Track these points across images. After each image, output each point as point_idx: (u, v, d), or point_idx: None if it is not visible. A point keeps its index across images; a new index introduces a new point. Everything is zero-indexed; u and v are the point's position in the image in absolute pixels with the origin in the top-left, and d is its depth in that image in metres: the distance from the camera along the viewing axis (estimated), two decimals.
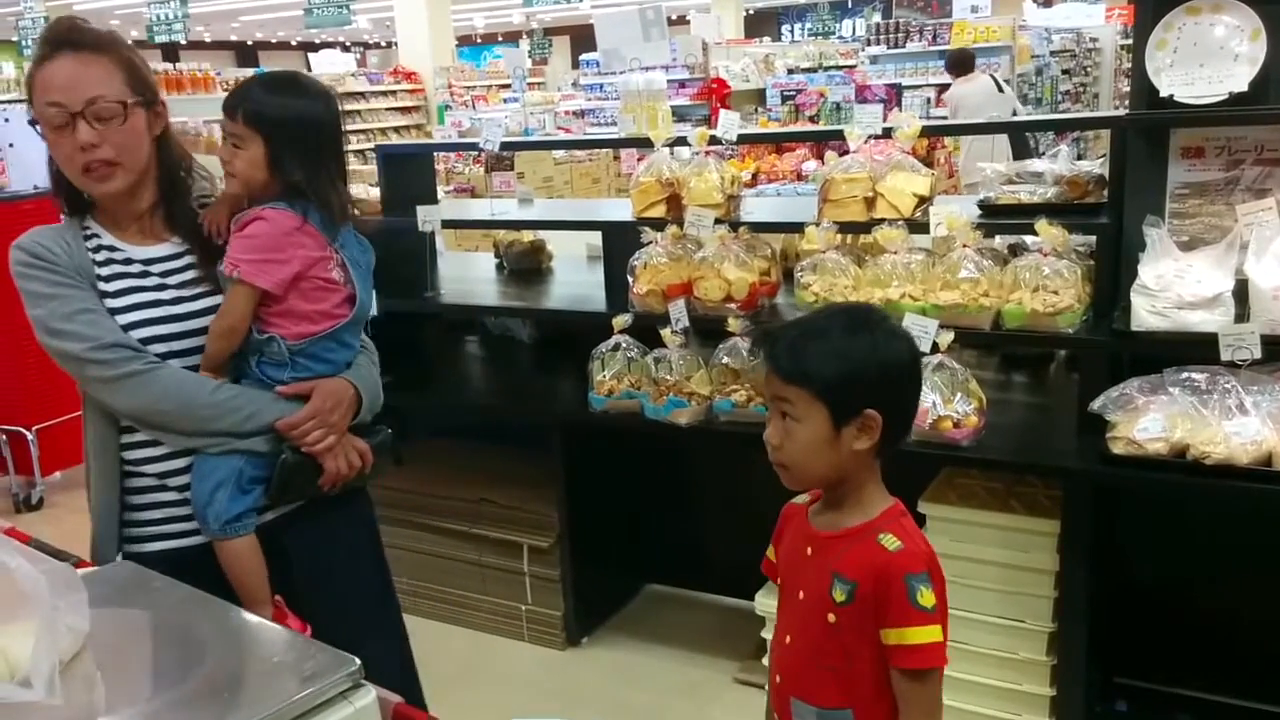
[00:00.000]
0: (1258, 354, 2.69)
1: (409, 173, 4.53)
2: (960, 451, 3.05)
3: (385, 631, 2.49)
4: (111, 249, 2.16)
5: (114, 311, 2.11)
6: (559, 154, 9.73)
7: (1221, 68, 2.88)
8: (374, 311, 2.39)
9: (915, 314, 3.04)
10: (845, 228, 3.39)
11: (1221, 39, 2.89)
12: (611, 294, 3.86)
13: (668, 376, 3.51)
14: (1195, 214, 3.08)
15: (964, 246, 3.11)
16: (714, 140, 3.58)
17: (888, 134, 3.36)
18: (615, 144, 7.93)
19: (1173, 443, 2.73)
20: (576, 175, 9.99)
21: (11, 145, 5.71)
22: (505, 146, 4.77)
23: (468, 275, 4.83)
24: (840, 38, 19.27)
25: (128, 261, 2.16)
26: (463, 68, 19.52)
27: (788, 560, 1.98)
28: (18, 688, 1.33)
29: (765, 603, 3.44)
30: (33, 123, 2.09)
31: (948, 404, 3.02)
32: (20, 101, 2.40)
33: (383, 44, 33.87)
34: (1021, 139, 9.30)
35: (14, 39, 14.80)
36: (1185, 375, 2.82)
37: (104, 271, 2.13)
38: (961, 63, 10.37)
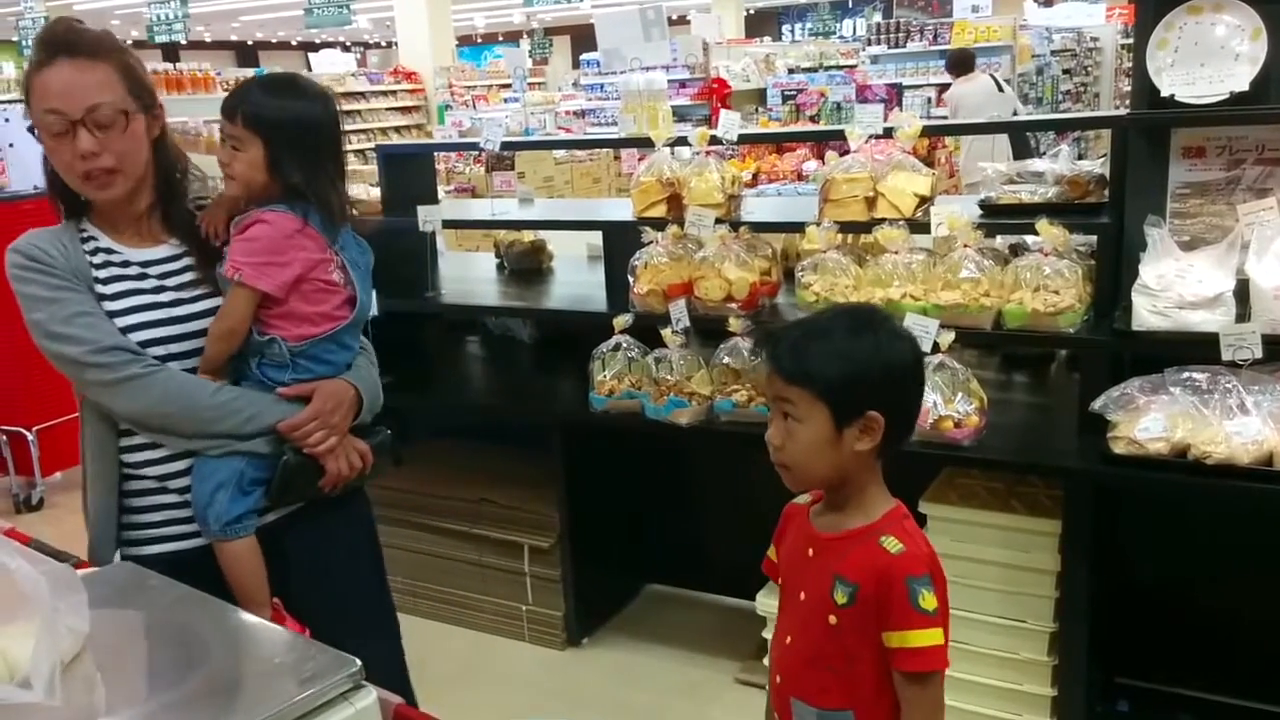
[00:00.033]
0: (1259, 354, 2.69)
1: (409, 173, 4.53)
2: (961, 451, 3.04)
3: (383, 632, 2.49)
4: (109, 251, 2.15)
5: (112, 314, 2.10)
6: (559, 154, 9.73)
7: (1222, 67, 2.87)
8: (374, 311, 2.39)
9: (916, 314, 3.04)
10: (846, 227, 3.39)
11: (1222, 38, 2.89)
12: (612, 294, 3.86)
13: (668, 376, 3.51)
14: (1196, 214, 3.08)
15: (965, 246, 3.11)
16: (714, 140, 3.58)
17: (888, 134, 3.36)
18: (616, 144, 7.92)
19: (1174, 442, 2.73)
20: (577, 175, 9.99)
21: (12, 145, 5.72)
22: (506, 146, 4.77)
23: (468, 275, 4.83)
24: (841, 37, 19.27)
25: (125, 264, 2.15)
26: (463, 67, 19.52)
27: (789, 561, 1.98)
28: (18, 689, 1.32)
29: (766, 603, 3.44)
30: (31, 129, 2.08)
31: (949, 404, 3.02)
32: (20, 102, 2.37)
33: (383, 44, 33.87)
34: (1022, 139, 9.30)
35: (14, 39, 14.81)
36: (1186, 375, 2.82)
37: (102, 274, 2.12)
38: (961, 62, 10.37)
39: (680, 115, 10.54)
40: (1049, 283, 2.99)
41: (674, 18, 17.42)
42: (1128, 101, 3.31)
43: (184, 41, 15.00)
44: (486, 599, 4.17)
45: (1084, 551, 2.98)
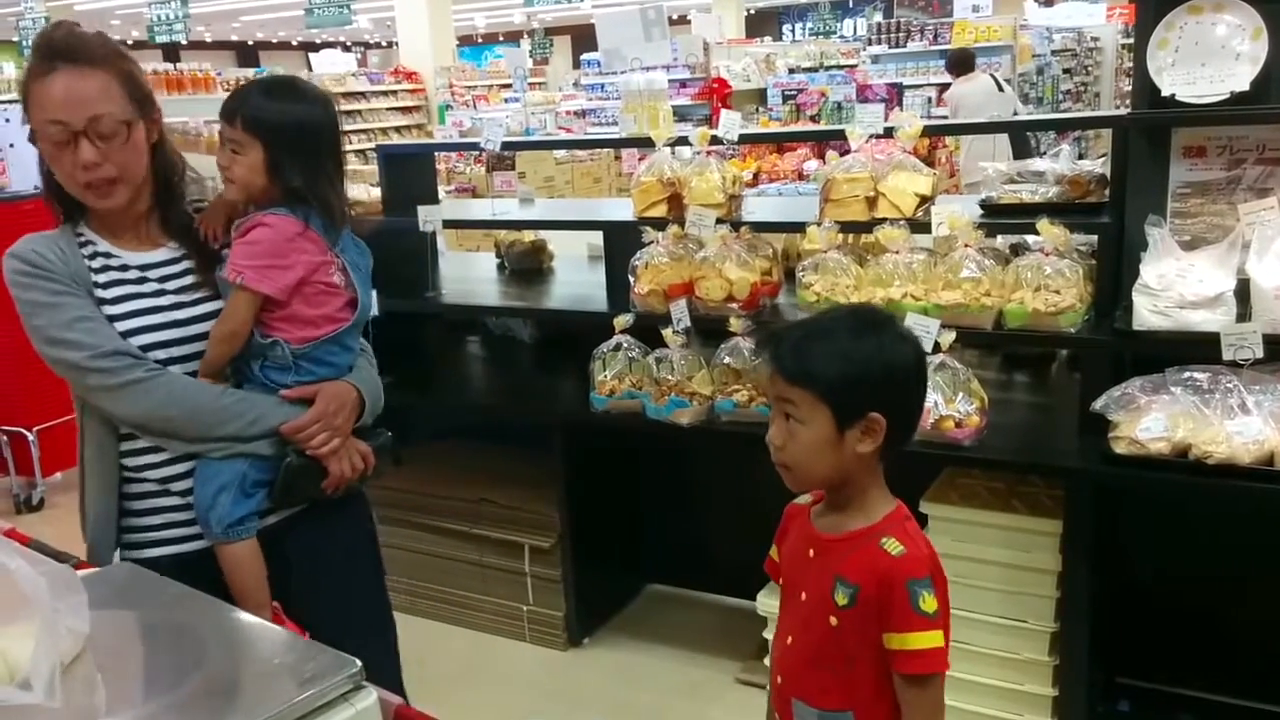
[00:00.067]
0: (1260, 353, 2.68)
1: (410, 173, 4.53)
2: (962, 451, 3.04)
3: (381, 633, 2.48)
4: (108, 255, 2.15)
5: (113, 319, 2.10)
6: (560, 154, 9.73)
7: (1223, 67, 2.87)
8: (374, 311, 2.39)
9: (917, 314, 3.04)
10: (847, 227, 3.39)
11: (1223, 38, 2.88)
12: (613, 294, 3.85)
13: (669, 376, 3.51)
14: (1197, 213, 3.08)
15: (965, 246, 3.10)
16: (715, 140, 3.58)
17: (889, 133, 3.36)
18: (616, 144, 7.92)
19: (1175, 442, 2.73)
20: (578, 175, 9.99)
21: (12, 145, 5.72)
22: (506, 146, 4.77)
23: (469, 275, 4.83)
24: (841, 37, 19.25)
25: (124, 268, 2.15)
26: (464, 67, 19.52)
27: (790, 561, 1.98)
28: (18, 690, 1.32)
29: (767, 603, 3.44)
30: (31, 138, 2.07)
31: (950, 404, 3.02)
32: (17, 102, 2.35)
33: (383, 44, 33.88)
34: (1023, 138, 9.30)
35: (14, 39, 14.80)
36: (1187, 375, 2.82)
37: (101, 279, 2.12)
38: (962, 62, 10.37)
39: (681, 115, 10.55)
40: (1050, 282, 2.99)
41: (674, 18, 17.41)
42: (1128, 101, 3.31)
43: (184, 42, 14.99)
44: (487, 599, 4.17)
45: (1085, 551, 2.98)
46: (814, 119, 11.11)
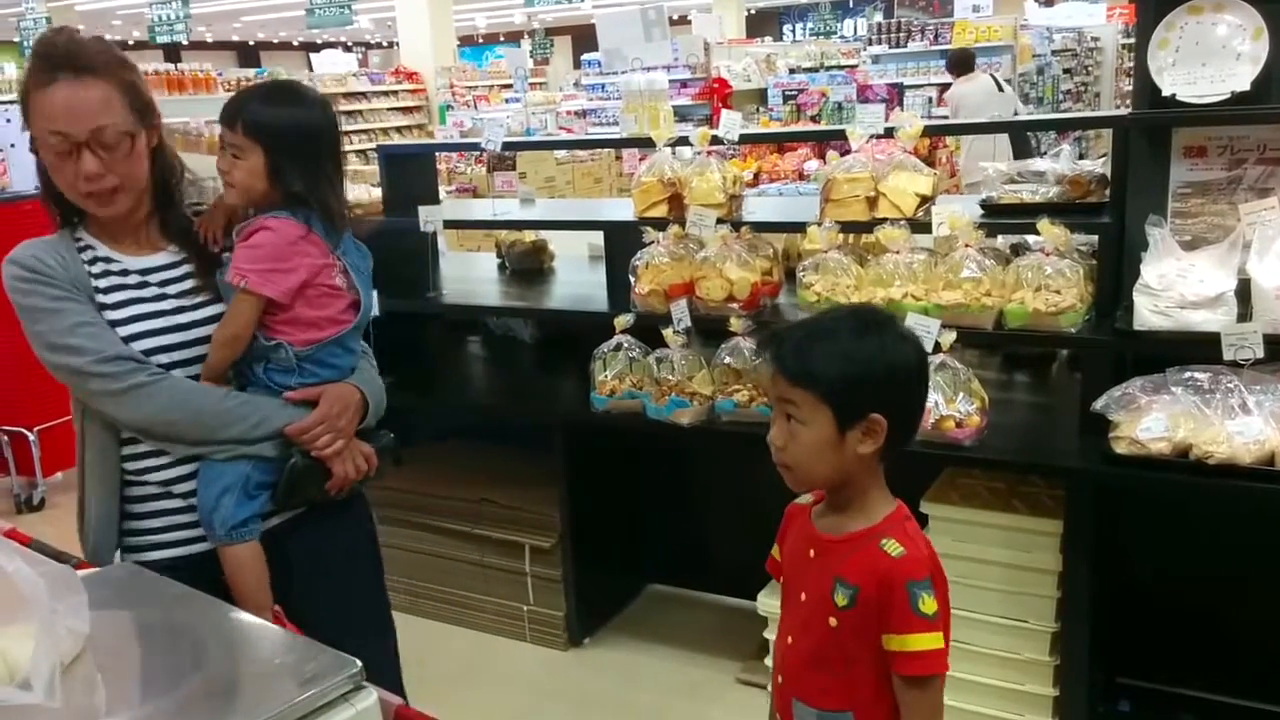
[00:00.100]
0: (1260, 353, 2.68)
1: (411, 173, 4.53)
2: (963, 451, 3.04)
3: (382, 633, 2.48)
4: (108, 260, 2.14)
5: (114, 324, 2.09)
6: (561, 154, 9.72)
7: (1224, 67, 2.87)
8: (375, 312, 2.39)
9: (917, 314, 3.03)
10: (847, 227, 3.39)
11: (1224, 38, 2.88)
12: (613, 294, 3.85)
13: (670, 376, 3.51)
14: (1197, 213, 3.08)
15: (966, 246, 3.10)
16: (716, 140, 3.58)
17: (889, 133, 3.36)
18: (617, 144, 7.92)
19: (1175, 442, 2.73)
20: (578, 175, 9.99)
21: (13, 145, 5.72)
22: (507, 146, 4.77)
23: (470, 275, 4.83)
24: (842, 37, 19.24)
25: (124, 273, 2.14)
26: (464, 68, 19.52)
27: (791, 561, 1.98)
28: (18, 690, 1.32)
29: (767, 603, 3.44)
30: (33, 148, 2.06)
31: (950, 404, 3.02)
32: (20, 106, 2.33)
33: (384, 44, 33.89)
34: (1023, 138, 9.30)
35: (15, 39, 14.82)
36: (1188, 375, 2.82)
37: (101, 284, 2.11)
38: (962, 62, 10.37)
39: (681, 115, 10.54)
40: (1050, 282, 2.99)
41: (675, 18, 17.42)
42: (1129, 101, 3.31)
43: (185, 42, 14.98)
44: (488, 599, 4.17)
45: (1086, 551, 2.98)
46: (814, 119, 11.10)
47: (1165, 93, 2.92)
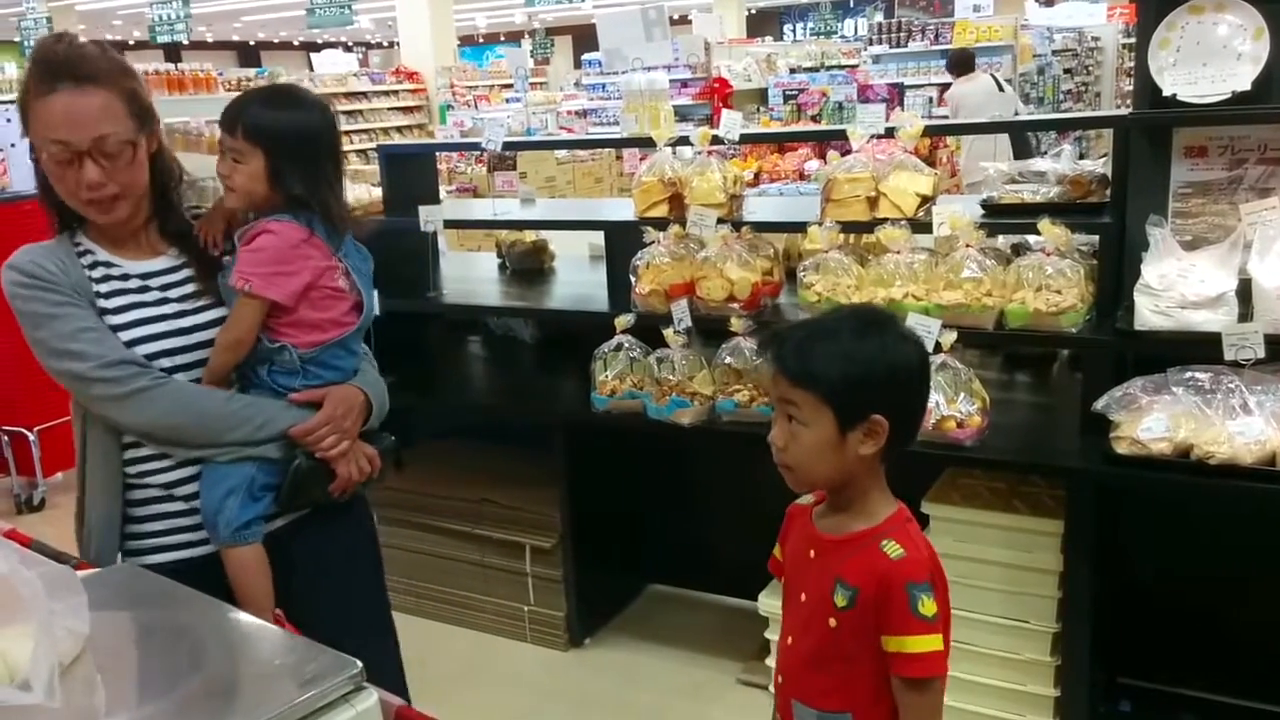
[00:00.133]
0: (1261, 353, 2.68)
1: (411, 173, 4.53)
2: (964, 451, 3.04)
3: (383, 634, 2.49)
4: (108, 265, 2.14)
5: (116, 328, 2.09)
6: (561, 154, 9.72)
7: (1224, 67, 2.87)
8: (375, 312, 2.40)
9: (918, 314, 3.03)
10: (848, 227, 3.38)
11: (1224, 38, 2.88)
12: (614, 294, 3.85)
13: (670, 376, 3.50)
14: (1198, 213, 3.08)
15: (967, 246, 3.10)
16: (716, 140, 3.58)
17: (890, 133, 3.36)
18: (617, 144, 7.93)
19: (1176, 443, 2.73)
20: (579, 175, 9.98)
21: (13, 145, 5.72)
22: (507, 146, 4.77)
23: (470, 275, 4.83)
24: (842, 37, 19.24)
25: (125, 277, 2.14)
26: (465, 67, 19.53)
27: (791, 561, 1.98)
28: (18, 690, 1.32)
29: (768, 603, 3.44)
30: (33, 157, 2.05)
31: (951, 404, 3.02)
32: (19, 113, 2.32)
33: (385, 44, 33.89)
34: (1023, 138, 9.30)
35: (16, 39, 14.82)
36: (1189, 375, 2.82)
37: (102, 288, 2.11)
38: (962, 62, 10.37)
39: (682, 115, 10.54)
40: (1051, 282, 2.99)
41: (675, 17, 17.43)
42: (1129, 101, 3.31)
43: (186, 42, 15.00)
44: (488, 599, 4.17)
45: (1086, 552, 2.98)
46: (815, 119, 11.10)
47: (1166, 92, 2.92)
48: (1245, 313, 2.76)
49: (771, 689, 2.04)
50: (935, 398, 2.97)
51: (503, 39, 29.76)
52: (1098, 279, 3.09)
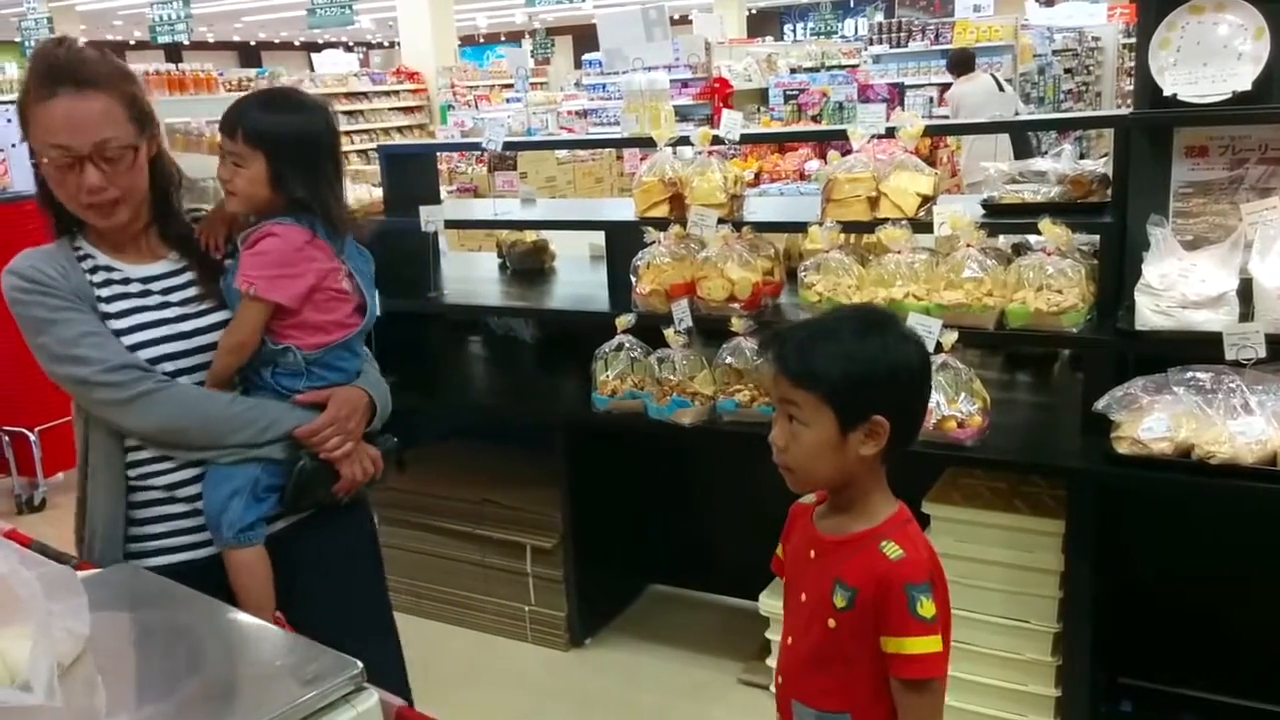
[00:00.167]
0: (1262, 353, 2.68)
1: (412, 173, 4.53)
2: (964, 451, 3.04)
3: (385, 635, 2.49)
4: (109, 269, 2.13)
5: (118, 333, 2.09)
6: (562, 154, 9.72)
7: (1225, 67, 2.87)
8: (377, 313, 2.40)
9: (919, 314, 3.03)
10: (849, 227, 3.38)
11: (1225, 38, 2.88)
12: (614, 294, 3.85)
13: (671, 376, 3.50)
14: (1199, 213, 3.08)
15: (967, 246, 3.10)
16: (717, 140, 3.58)
17: (890, 133, 3.36)
18: (618, 144, 7.92)
19: (1177, 442, 2.73)
20: (579, 175, 9.98)
21: (14, 145, 5.72)
22: (508, 146, 4.77)
23: (471, 275, 4.83)
24: (843, 37, 19.24)
25: (126, 281, 2.14)
26: (465, 67, 19.54)
27: (792, 561, 1.98)
28: (18, 691, 1.32)
29: (769, 603, 3.44)
30: (34, 161, 2.04)
31: (952, 404, 3.02)
32: (18, 117, 2.31)
33: (385, 44, 33.90)
34: (1024, 138, 9.30)
35: (16, 39, 14.82)
36: (1190, 375, 2.82)
37: (104, 293, 2.11)
38: (962, 62, 10.37)
39: (682, 115, 10.53)
40: (1052, 282, 2.99)
41: (676, 17, 17.43)
42: (1130, 101, 3.31)
43: (187, 42, 15.00)
44: (489, 599, 4.17)
45: (1087, 552, 2.98)
46: (815, 119, 11.09)
47: (1166, 92, 2.92)
48: (1246, 312, 2.76)
49: (773, 689, 2.04)
50: (936, 398, 2.97)
51: (503, 39, 29.76)
52: (1098, 279, 3.09)
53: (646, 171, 3.65)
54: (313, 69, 20.42)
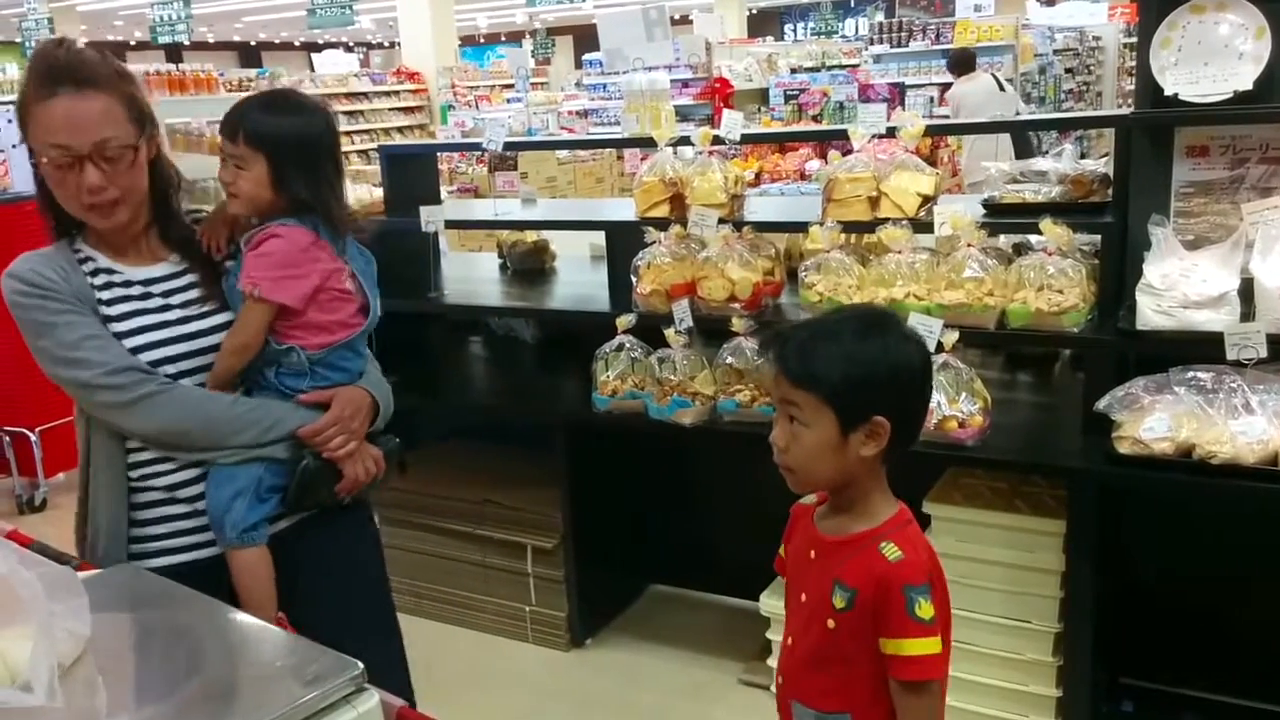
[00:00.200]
0: (1263, 353, 2.68)
1: (412, 173, 4.53)
2: (965, 451, 3.04)
3: (388, 636, 2.48)
4: (109, 271, 2.13)
5: (119, 335, 2.08)
6: (562, 154, 9.72)
7: (1226, 66, 2.87)
8: (379, 313, 2.40)
9: (920, 313, 3.03)
10: (849, 227, 3.38)
11: (1226, 37, 2.88)
12: (615, 294, 3.85)
13: (671, 376, 3.50)
14: (1200, 213, 3.08)
15: (968, 246, 3.10)
16: (717, 140, 3.58)
17: (891, 133, 3.36)
18: (618, 144, 7.92)
19: (1178, 442, 2.73)
20: (580, 175, 9.98)
21: (14, 146, 5.72)
22: (508, 146, 4.77)
23: (471, 275, 4.83)
24: (843, 37, 19.24)
25: (127, 284, 2.13)
26: (466, 68, 19.54)
27: (794, 562, 1.98)
28: (19, 691, 1.32)
29: (770, 603, 3.44)
30: (33, 162, 2.04)
31: (953, 404, 3.01)
32: (18, 118, 2.30)
33: (386, 44, 33.91)
34: (1025, 138, 9.29)
35: (17, 40, 14.82)
36: (1191, 374, 2.82)
37: (105, 295, 2.10)
38: (962, 62, 10.37)
39: (683, 115, 10.52)
40: (1053, 282, 2.98)
41: (676, 17, 17.43)
42: (1130, 100, 3.31)
43: (187, 42, 15.00)
44: (490, 600, 4.17)
45: (1088, 552, 2.97)
46: (816, 119, 11.09)
47: (1167, 92, 2.91)
48: (1247, 312, 2.76)
49: (773, 689, 2.04)
50: (937, 397, 2.97)
51: (504, 39, 29.77)
52: (1099, 279, 3.09)
53: (647, 171, 3.65)
54: (313, 69, 20.43)
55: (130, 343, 2.09)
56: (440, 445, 4.47)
